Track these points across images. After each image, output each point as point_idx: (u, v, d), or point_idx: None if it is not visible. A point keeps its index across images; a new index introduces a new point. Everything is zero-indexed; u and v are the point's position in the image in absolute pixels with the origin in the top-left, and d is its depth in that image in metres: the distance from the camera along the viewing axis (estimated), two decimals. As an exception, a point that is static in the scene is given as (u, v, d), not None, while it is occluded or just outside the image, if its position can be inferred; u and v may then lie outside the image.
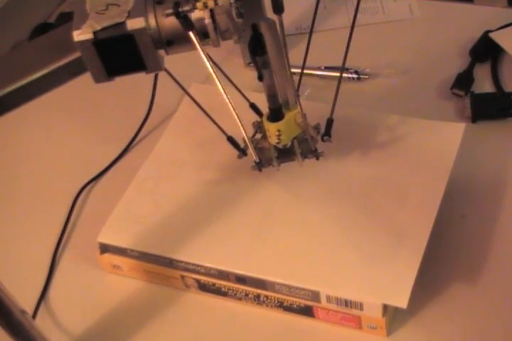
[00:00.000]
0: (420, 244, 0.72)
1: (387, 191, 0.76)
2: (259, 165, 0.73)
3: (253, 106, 0.77)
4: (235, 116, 0.65)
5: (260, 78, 0.65)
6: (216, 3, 0.52)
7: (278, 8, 0.55)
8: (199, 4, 0.51)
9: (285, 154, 0.73)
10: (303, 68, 0.77)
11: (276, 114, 0.70)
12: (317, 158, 0.73)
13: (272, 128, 0.71)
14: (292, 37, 1.00)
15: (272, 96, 0.69)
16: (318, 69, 0.97)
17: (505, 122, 0.88)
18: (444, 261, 0.76)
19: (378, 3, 1.04)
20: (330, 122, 0.74)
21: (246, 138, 0.69)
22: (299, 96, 0.69)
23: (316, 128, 0.74)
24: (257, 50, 0.62)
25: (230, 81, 0.73)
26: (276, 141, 0.71)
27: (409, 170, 0.78)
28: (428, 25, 0.99)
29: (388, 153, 0.80)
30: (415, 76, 0.95)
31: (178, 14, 0.50)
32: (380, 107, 0.83)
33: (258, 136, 0.76)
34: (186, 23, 0.51)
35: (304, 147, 0.73)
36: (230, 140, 0.74)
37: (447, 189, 0.76)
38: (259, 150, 0.73)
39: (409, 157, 0.79)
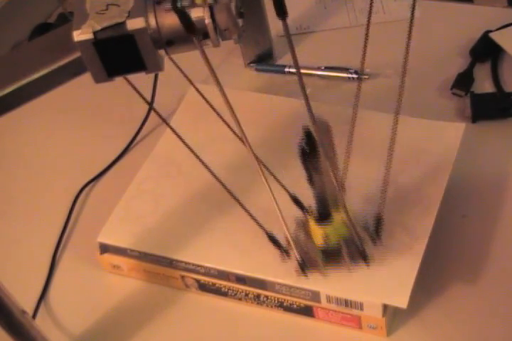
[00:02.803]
0: (420, 243, 0.72)
1: (386, 191, 0.76)
2: (304, 267, 0.68)
3: (295, 200, 0.70)
4: (278, 214, 0.62)
5: (311, 182, 0.62)
6: (216, 0, 0.51)
7: (281, 12, 0.54)
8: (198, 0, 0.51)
9: (331, 256, 0.68)
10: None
11: (324, 217, 0.66)
12: (366, 262, 0.68)
13: (318, 230, 0.67)
14: (292, 37, 1.00)
15: (321, 200, 0.65)
16: (318, 69, 0.97)
17: (505, 122, 0.88)
18: (444, 261, 0.76)
19: (378, 3, 1.04)
20: (379, 221, 0.69)
21: (289, 239, 0.65)
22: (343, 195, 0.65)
23: (366, 228, 0.69)
24: (309, 154, 0.59)
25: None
26: (323, 244, 0.67)
27: (410, 170, 0.78)
28: (428, 25, 0.99)
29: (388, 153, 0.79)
30: (415, 76, 0.94)
31: (176, 10, 0.50)
32: (380, 107, 0.83)
33: (300, 233, 0.70)
34: (184, 19, 0.50)
35: (352, 247, 0.68)
36: (271, 238, 0.68)
37: (447, 189, 0.76)
38: (302, 251, 0.68)
39: (409, 157, 0.79)
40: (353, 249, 0.67)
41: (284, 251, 0.68)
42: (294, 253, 0.67)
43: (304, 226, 0.70)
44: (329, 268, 0.69)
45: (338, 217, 0.66)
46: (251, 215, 0.66)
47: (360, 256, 0.67)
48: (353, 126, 0.71)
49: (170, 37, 0.53)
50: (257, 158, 0.59)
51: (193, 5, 0.51)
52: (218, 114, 0.67)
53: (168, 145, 0.85)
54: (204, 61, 0.51)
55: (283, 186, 0.70)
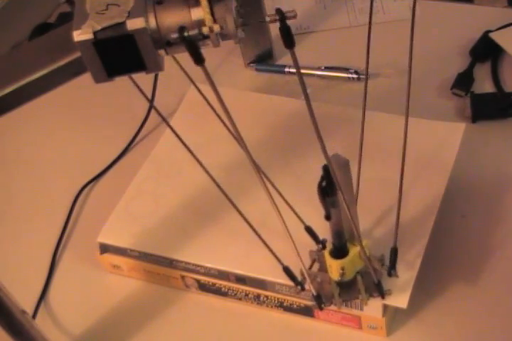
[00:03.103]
0: (420, 244, 0.72)
1: (386, 191, 0.76)
2: (319, 301, 0.66)
3: (309, 230, 0.69)
4: (293, 246, 0.61)
5: (328, 218, 0.62)
6: (222, 28, 0.51)
7: (289, 42, 0.54)
8: (205, 29, 0.51)
9: (347, 289, 0.68)
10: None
11: (340, 251, 0.66)
12: (382, 297, 0.67)
13: (335, 264, 0.66)
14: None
15: (338, 234, 0.64)
16: (318, 69, 0.97)
17: (505, 122, 0.88)
18: (444, 261, 0.76)
19: (378, 3, 1.04)
20: (394, 252, 0.68)
21: (305, 272, 0.65)
22: (359, 230, 0.64)
23: (381, 259, 0.69)
24: (328, 191, 0.59)
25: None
26: (339, 278, 0.66)
27: (409, 170, 0.78)
28: (428, 25, 0.99)
29: (388, 153, 0.79)
30: (415, 76, 0.94)
31: (184, 39, 0.50)
32: (380, 107, 0.83)
33: (315, 266, 0.70)
34: (193, 49, 0.50)
35: (368, 280, 0.67)
36: (286, 270, 0.66)
37: (447, 189, 0.76)
38: (317, 284, 0.68)
39: (409, 157, 0.79)
40: (368, 282, 0.67)
41: (299, 284, 0.67)
42: (309, 287, 0.66)
43: (318, 258, 0.69)
44: (344, 301, 0.68)
45: (354, 249, 0.66)
46: (264, 242, 0.66)
47: (376, 288, 0.67)
48: (362, 135, 0.70)
49: (170, 39, 0.53)
50: (269, 192, 0.59)
51: (199, 33, 0.51)
52: (219, 116, 0.66)
53: (168, 146, 0.85)
54: (204, 72, 0.51)
55: (298, 216, 0.69)
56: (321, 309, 0.67)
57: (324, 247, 0.68)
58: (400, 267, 0.70)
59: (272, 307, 0.76)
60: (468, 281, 0.75)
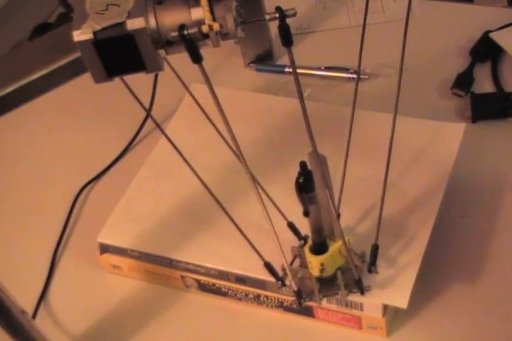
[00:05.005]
0: (420, 244, 0.72)
1: (386, 191, 0.76)
2: (299, 298, 0.67)
3: (291, 226, 0.70)
4: (277, 244, 0.61)
5: (306, 214, 0.62)
6: (222, 26, 0.51)
7: (287, 40, 0.54)
8: (204, 27, 0.51)
9: (327, 285, 0.68)
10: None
11: (320, 247, 0.66)
12: (362, 293, 0.67)
13: (315, 261, 0.66)
14: (292, 37, 1.00)
15: (317, 230, 0.65)
16: (318, 69, 0.97)
17: (505, 122, 0.88)
18: (444, 261, 0.77)
19: (378, 3, 1.04)
20: (375, 249, 0.69)
21: (286, 268, 0.65)
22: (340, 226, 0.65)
23: (362, 256, 0.69)
24: (306, 187, 0.59)
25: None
26: (319, 274, 0.67)
27: (409, 170, 0.78)
28: (428, 25, 0.99)
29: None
30: (415, 76, 0.95)
31: (183, 37, 0.50)
32: (380, 107, 0.83)
33: (296, 262, 0.71)
34: (191, 48, 0.50)
35: (348, 277, 0.67)
36: (267, 266, 0.67)
37: (447, 189, 0.76)
38: (298, 279, 0.68)
39: (409, 157, 0.79)
40: (348, 278, 0.67)
41: (280, 280, 0.67)
42: (291, 282, 0.66)
43: (300, 254, 0.70)
44: (324, 297, 0.68)
45: (334, 246, 0.66)
46: (246, 238, 0.66)
47: (356, 285, 0.67)
48: (351, 128, 0.71)
49: (170, 37, 0.53)
50: (258, 190, 0.60)
51: (199, 32, 0.51)
52: (212, 122, 0.67)
53: (168, 145, 0.84)
54: (202, 73, 0.51)
55: (281, 213, 0.70)
56: (301, 304, 0.68)
57: (306, 243, 0.69)
58: (399, 267, 0.70)
59: (272, 307, 0.76)
60: (468, 281, 0.75)
